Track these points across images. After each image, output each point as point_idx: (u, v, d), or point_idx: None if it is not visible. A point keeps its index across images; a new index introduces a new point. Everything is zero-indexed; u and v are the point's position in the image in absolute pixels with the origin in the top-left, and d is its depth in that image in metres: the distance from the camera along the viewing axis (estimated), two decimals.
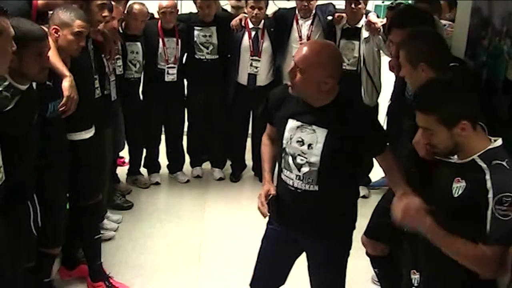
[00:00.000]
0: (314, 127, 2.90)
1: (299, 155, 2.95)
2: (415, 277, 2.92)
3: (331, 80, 2.81)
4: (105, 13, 4.31)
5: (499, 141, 2.51)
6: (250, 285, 3.39)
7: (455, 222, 2.47)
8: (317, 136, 2.89)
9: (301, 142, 2.93)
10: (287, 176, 3.04)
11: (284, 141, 3.00)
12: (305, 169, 2.95)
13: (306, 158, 2.93)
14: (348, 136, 2.86)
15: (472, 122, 2.46)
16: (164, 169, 6.51)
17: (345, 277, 3.25)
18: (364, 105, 3.05)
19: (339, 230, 3.12)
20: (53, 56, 3.35)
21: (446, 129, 2.47)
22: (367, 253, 3.83)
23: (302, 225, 3.09)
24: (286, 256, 3.30)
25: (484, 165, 2.41)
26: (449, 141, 2.50)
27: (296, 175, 2.98)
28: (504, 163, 2.40)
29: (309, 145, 2.91)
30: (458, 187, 2.47)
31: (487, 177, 2.37)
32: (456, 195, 2.47)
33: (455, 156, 2.56)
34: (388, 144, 3.04)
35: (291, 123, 2.97)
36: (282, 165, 3.05)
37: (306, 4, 5.81)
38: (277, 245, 3.27)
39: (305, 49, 2.85)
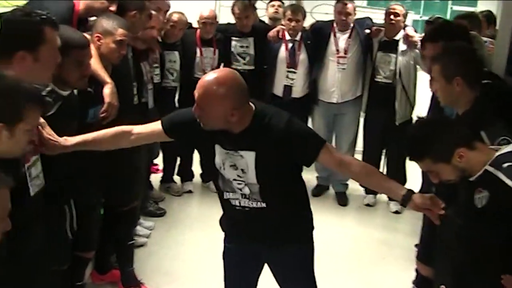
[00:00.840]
0: (240, 152, 2.78)
1: (235, 179, 2.85)
2: None
3: (237, 112, 2.65)
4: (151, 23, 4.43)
5: (508, 147, 2.55)
6: None
7: (488, 231, 2.49)
8: (246, 161, 2.78)
9: (235, 166, 2.82)
10: (232, 198, 2.93)
11: (217, 166, 2.87)
12: (246, 190, 2.85)
13: (244, 181, 2.83)
14: (276, 152, 2.75)
15: (466, 146, 2.51)
16: (197, 178, 6.54)
17: (315, 281, 3.18)
18: (282, 117, 2.87)
19: (296, 236, 3.04)
20: (95, 63, 3.40)
21: (446, 164, 2.52)
22: (416, 270, 3.79)
23: (258, 238, 3.01)
24: (249, 273, 3.24)
25: (497, 171, 2.44)
26: (455, 171, 2.55)
27: (242, 194, 2.88)
28: None
29: (242, 170, 2.80)
30: (481, 197, 2.49)
31: (504, 178, 2.40)
32: (480, 206, 2.49)
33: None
34: (322, 141, 2.88)
35: (219, 149, 2.84)
36: (222, 187, 2.93)
37: (344, 17, 5.83)
38: (238, 264, 3.20)
39: (200, 87, 2.66)
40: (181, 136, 3.05)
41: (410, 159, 2.67)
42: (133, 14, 3.99)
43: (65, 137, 2.85)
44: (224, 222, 3.18)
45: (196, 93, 2.67)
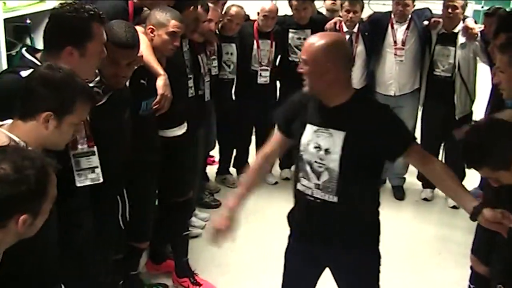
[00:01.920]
0: (330, 130, 2.75)
1: (316, 161, 2.80)
2: None
3: (332, 68, 2.67)
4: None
5: None
6: None
7: None
8: (334, 140, 2.74)
9: (318, 148, 2.78)
10: (305, 186, 2.88)
11: (301, 148, 2.84)
12: (324, 176, 2.79)
13: (325, 164, 2.77)
14: (367, 136, 2.69)
15: None
16: None
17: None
18: (380, 103, 2.89)
19: (362, 241, 2.96)
20: (148, 55, 3.44)
21: (505, 171, 2.45)
22: (471, 267, 3.70)
23: (323, 238, 2.94)
24: (308, 275, 3.17)
25: None
26: None
27: (315, 184, 2.83)
28: None
29: (326, 150, 2.76)
30: None
31: None
32: None
33: None
34: (414, 140, 2.91)
35: (308, 129, 2.82)
36: (300, 175, 2.90)
37: (401, 8, 5.74)
38: (299, 262, 3.15)
39: (309, 42, 2.76)
40: (290, 128, 3.00)
41: (467, 167, 2.60)
42: (190, 11, 4.00)
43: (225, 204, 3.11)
44: (292, 217, 3.14)
45: (303, 50, 2.75)
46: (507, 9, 5.14)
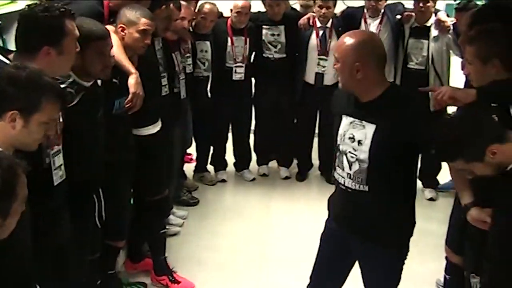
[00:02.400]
0: (363, 122, 2.86)
1: (349, 152, 2.91)
2: (475, 280, 2.87)
3: (362, 69, 2.78)
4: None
5: None
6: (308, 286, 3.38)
7: None
8: (366, 132, 2.84)
9: (352, 139, 2.89)
10: (339, 175, 2.99)
11: (338, 138, 2.97)
12: (355, 167, 2.90)
13: (356, 155, 2.88)
14: (396, 131, 2.77)
15: (499, 141, 2.46)
16: (230, 167, 6.56)
17: (397, 285, 3.14)
18: (412, 98, 2.98)
19: (392, 238, 3.00)
20: (119, 54, 3.44)
21: (479, 162, 2.49)
22: (446, 258, 3.74)
23: (353, 228, 3.04)
24: (338, 262, 3.24)
25: None
26: (490, 167, 2.51)
27: (347, 173, 2.94)
28: None
29: (359, 142, 2.86)
30: None
31: None
32: None
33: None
34: None
35: (345, 120, 2.95)
36: (336, 163, 3.01)
37: (374, 3, 5.79)
38: (331, 249, 3.23)
39: (340, 38, 2.91)
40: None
41: (442, 161, 2.65)
42: (162, 10, 4.00)
43: None
44: (331, 202, 3.23)
45: (336, 48, 2.93)
46: (478, 3, 5.14)
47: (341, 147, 2.97)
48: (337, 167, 3.02)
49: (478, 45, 2.97)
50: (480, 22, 3.35)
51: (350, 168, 2.93)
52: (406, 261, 3.07)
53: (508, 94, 2.77)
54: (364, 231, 3.00)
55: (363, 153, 2.85)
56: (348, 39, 2.83)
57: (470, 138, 2.50)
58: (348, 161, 2.93)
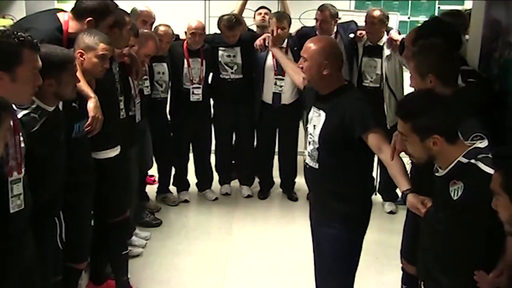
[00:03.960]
0: (320, 111, 3.40)
1: (310, 134, 3.48)
2: None
3: (329, 67, 3.29)
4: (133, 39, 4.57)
5: (485, 143, 2.59)
6: None
7: (462, 224, 2.55)
8: (320, 119, 3.38)
9: (312, 125, 3.45)
10: (306, 154, 3.56)
11: (308, 125, 3.53)
12: (311, 147, 3.46)
13: (312, 137, 3.44)
14: (339, 118, 3.27)
15: (446, 137, 2.54)
16: (193, 187, 6.60)
17: (344, 264, 3.53)
18: (357, 95, 3.45)
19: (341, 214, 3.42)
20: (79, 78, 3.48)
21: (419, 140, 2.57)
22: (402, 268, 3.84)
23: (314, 205, 3.70)
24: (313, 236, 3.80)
25: (472, 160, 2.50)
26: (423, 152, 2.59)
27: (308, 152, 3.51)
28: (490, 155, 2.49)
29: (314, 126, 3.43)
30: (456, 189, 2.53)
31: (482, 166, 2.46)
32: (455, 197, 2.53)
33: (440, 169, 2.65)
34: (375, 126, 3.21)
35: (312, 109, 3.49)
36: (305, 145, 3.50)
37: (320, 24, 5.96)
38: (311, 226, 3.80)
39: (307, 42, 3.42)
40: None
41: (396, 114, 2.73)
42: (113, 31, 4.05)
43: None
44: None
45: (304, 50, 3.42)
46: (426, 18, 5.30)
47: (308, 131, 3.53)
48: (305, 150, 3.62)
49: (418, 60, 3.15)
50: (424, 37, 3.50)
51: (309, 148, 3.49)
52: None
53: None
54: (319, 206, 3.62)
55: (316, 136, 3.40)
56: (317, 42, 3.39)
57: (432, 113, 2.56)
58: (309, 142, 3.52)
